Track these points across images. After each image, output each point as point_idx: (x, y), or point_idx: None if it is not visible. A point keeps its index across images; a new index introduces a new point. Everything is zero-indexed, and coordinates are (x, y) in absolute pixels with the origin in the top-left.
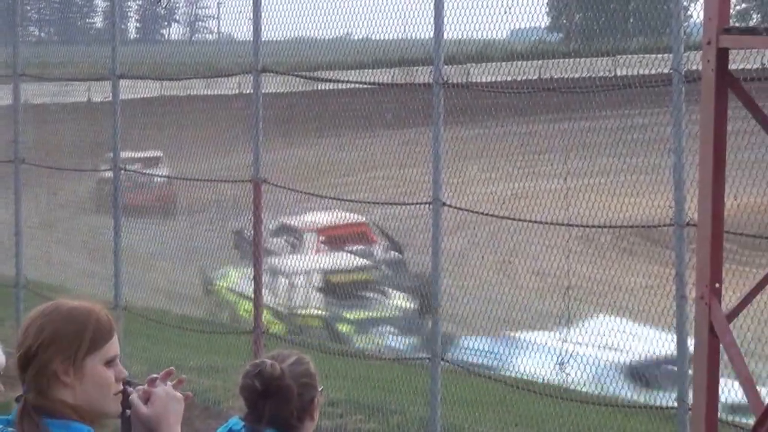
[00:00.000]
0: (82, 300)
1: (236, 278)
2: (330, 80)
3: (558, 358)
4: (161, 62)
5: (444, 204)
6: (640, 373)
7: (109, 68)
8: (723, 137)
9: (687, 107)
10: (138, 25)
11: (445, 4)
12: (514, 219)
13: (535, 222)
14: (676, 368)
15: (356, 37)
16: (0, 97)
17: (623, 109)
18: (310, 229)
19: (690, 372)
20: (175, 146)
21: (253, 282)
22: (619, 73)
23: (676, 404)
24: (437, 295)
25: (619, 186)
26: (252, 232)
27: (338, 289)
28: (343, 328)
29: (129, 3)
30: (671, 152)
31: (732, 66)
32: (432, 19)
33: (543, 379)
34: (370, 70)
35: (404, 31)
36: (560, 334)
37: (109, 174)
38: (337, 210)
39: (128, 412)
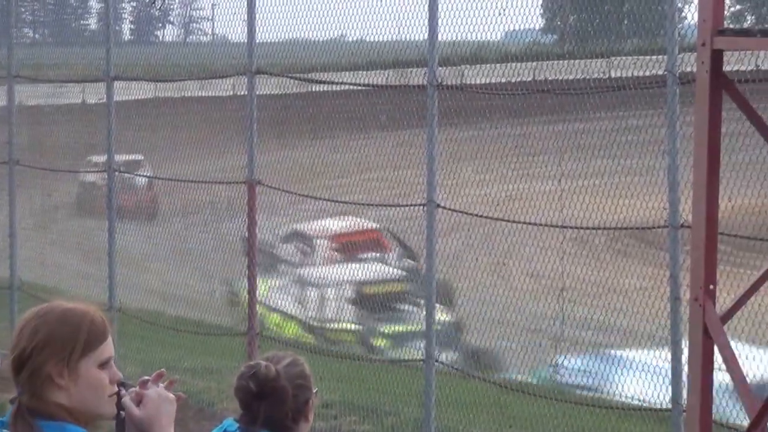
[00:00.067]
0: (76, 302)
1: (264, 290)
2: (324, 82)
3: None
4: (155, 64)
5: (438, 206)
6: None
7: (104, 70)
8: (717, 139)
9: (681, 109)
10: (132, 26)
11: (440, 6)
12: (508, 221)
13: (530, 224)
14: None
15: (350, 39)
16: None
17: (617, 111)
18: (322, 236)
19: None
20: (170, 148)
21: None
22: (613, 75)
23: (670, 406)
24: (431, 296)
25: (613, 188)
26: (261, 237)
27: (371, 302)
28: (379, 342)
29: (123, 5)
30: (666, 154)
31: (726, 67)
32: (426, 21)
33: (651, 403)
34: (365, 72)
35: (398, 32)
36: (665, 352)
37: (91, 177)
38: (349, 216)
39: (122, 413)
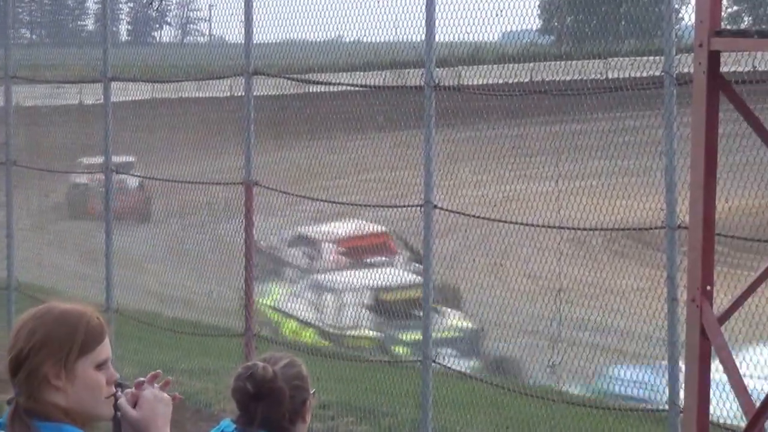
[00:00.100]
0: (73, 303)
1: (279, 296)
2: (321, 83)
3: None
4: (152, 65)
5: (435, 206)
6: None
7: (101, 71)
8: (714, 140)
9: (678, 110)
10: (129, 27)
11: (437, 7)
12: (505, 221)
13: (527, 224)
14: None
15: (348, 40)
16: None
17: (615, 112)
18: (329, 240)
19: (681, 374)
20: (167, 149)
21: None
22: (610, 76)
23: (667, 407)
24: (428, 298)
25: (610, 188)
26: (266, 241)
27: (390, 308)
28: (399, 350)
29: (120, 5)
30: (663, 155)
31: (723, 68)
32: (423, 22)
33: (718, 420)
34: (362, 73)
35: (396, 33)
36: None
37: (82, 179)
38: (356, 219)
39: (119, 414)
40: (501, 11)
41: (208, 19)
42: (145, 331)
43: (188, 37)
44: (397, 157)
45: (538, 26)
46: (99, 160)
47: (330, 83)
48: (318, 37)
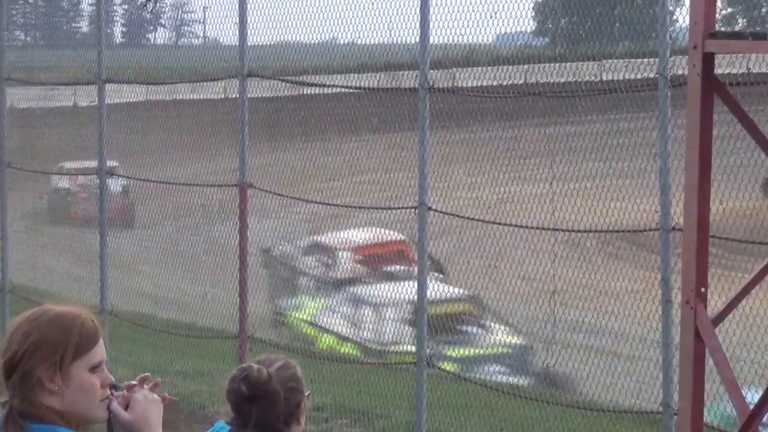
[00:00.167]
0: (68, 305)
1: (314, 310)
2: (316, 85)
3: None
4: (147, 67)
5: (430, 208)
6: None
7: (95, 72)
8: (708, 142)
9: (673, 112)
10: (124, 29)
11: (431, 9)
12: (499, 223)
13: (521, 226)
14: None
15: (342, 42)
16: None
17: (609, 114)
18: (345, 248)
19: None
20: (161, 151)
21: (248, 288)
22: (604, 78)
23: (661, 409)
24: (423, 299)
25: (604, 190)
26: (280, 249)
27: (433, 322)
28: (447, 366)
29: (115, 7)
30: (657, 157)
31: (718, 70)
32: (418, 24)
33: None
34: (356, 75)
35: (390, 35)
36: None
37: (64, 184)
38: (373, 227)
39: (112, 416)
40: (495, 13)
41: (202, 21)
42: (139, 332)
43: (182, 39)
44: (391, 159)
45: (533, 28)
46: (82, 164)
47: (324, 85)
48: (312, 39)
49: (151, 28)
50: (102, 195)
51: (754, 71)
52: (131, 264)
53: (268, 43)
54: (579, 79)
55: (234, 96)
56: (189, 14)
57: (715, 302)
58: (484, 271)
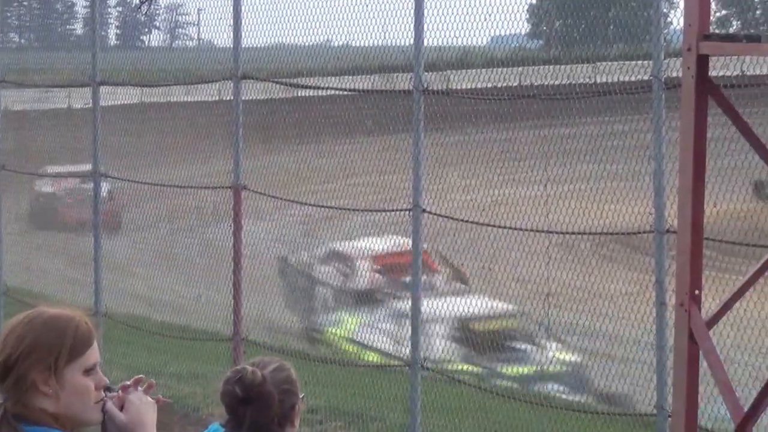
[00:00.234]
0: (62, 307)
1: (354, 326)
2: (310, 87)
3: None
4: (141, 69)
5: (424, 211)
6: None
7: (89, 75)
8: (703, 144)
9: (667, 114)
10: (118, 31)
11: (425, 11)
12: (494, 226)
13: (515, 229)
14: None
15: (336, 44)
16: None
17: (603, 116)
18: (364, 257)
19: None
20: (156, 153)
21: (242, 291)
22: (599, 80)
23: (655, 411)
24: (417, 301)
25: (599, 193)
26: (297, 258)
27: (481, 339)
28: (502, 384)
29: (109, 9)
30: (651, 159)
31: (712, 73)
32: (412, 26)
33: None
34: (350, 77)
35: (384, 37)
36: None
37: (48, 188)
38: (393, 235)
39: (107, 418)
40: (490, 15)
41: (196, 23)
42: (133, 335)
43: (177, 41)
44: (385, 161)
45: (527, 30)
46: (65, 168)
47: (319, 87)
48: (307, 41)
49: (146, 30)
50: (96, 197)
51: (748, 73)
52: (125, 266)
53: (263, 45)
54: (573, 82)
55: (228, 98)
56: (183, 16)
57: (709, 304)
58: (479, 273)
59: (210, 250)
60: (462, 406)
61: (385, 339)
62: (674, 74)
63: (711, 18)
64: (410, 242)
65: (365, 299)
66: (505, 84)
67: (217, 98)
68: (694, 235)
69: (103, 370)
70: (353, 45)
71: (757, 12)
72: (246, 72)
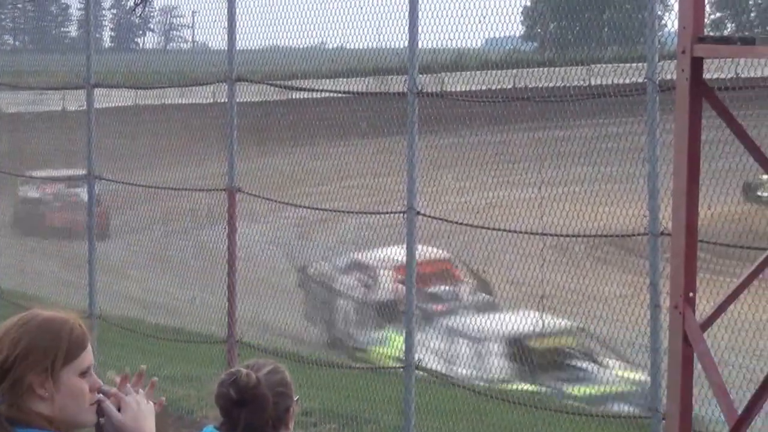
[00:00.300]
0: (56, 309)
1: (401, 344)
2: (304, 89)
3: None
4: (136, 71)
5: (418, 213)
6: None
7: (84, 77)
8: (697, 146)
9: (661, 116)
10: (113, 34)
11: (420, 13)
12: (488, 228)
13: (510, 231)
14: None
15: (331, 46)
16: None
17: (598, 118)
18: (386, 267)
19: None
20: (150, 155)
21: (226, 294)
22: (593, 83)
23: (649, 414)
24: (411, 304)
25: (593, 195)
26: (317, 268)
27: (539, 358)
28: (572, 405)
29: (103, 12)
30: (645, 161)
31: (706, 75)
32: (407, 28)
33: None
34: (345, 79)
35: (379, 40)
36: None
37: (31, 194)
38: (416, 244)
39: (101, 420)
40: (484, 18)
41: (191, 25)
42: (127, 337)
43: (171, 44)
44: (380, 164)
45: (521, 33)
46: (49, 173)
47: (313, 89)
48: (301, 43)
49: (140, 32)
50: (91, 199)
51: (742, 76)
52: (120, 269)
53: (257, 47)
54: (568, 84)
55: (223, 100)
56: (178, 19)
57: (704, 307)
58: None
59: (204, 253)
60: (456, 408)
61: (433, 357)
62: (668, 77)
63: (705, 20)
64: (434, 251)
65: (394, 312)
66: (499, 86)
67: (211, 100)
68: (689, 238)
69: (98, 372)
70: (348, 47)
71: (752, 14)
72: (240, 74)
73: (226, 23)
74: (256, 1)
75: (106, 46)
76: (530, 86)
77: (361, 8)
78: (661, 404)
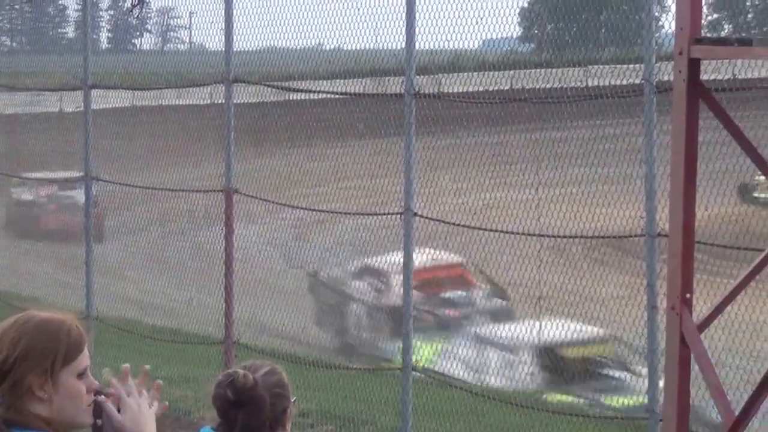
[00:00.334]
0: (53, 310)
1: (431, 355)
2: (302, 90)
3: None
4: (133, 72)
5: (415, 214)
6: None
7: (81, 78)
8: (694, 147)
9: (658, 118)
10: (110, 35)
11: (417, 15)
12: (485, 229)
13: (507, 232)
14: None
15: (328, 47)
16: None
17: (595, 120)
18: (399, 272)
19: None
20: (147, 156)
21: (234, 295)
22: (590, 84)
23: (646, 415)
24: (408, 305)
25: (590, 196)
26: (329, 272)
27: (574, 367)
28: (611, 412)
29: (101, 13)
30: (642, 162)
31: (703, 76)
32: (404, 29)
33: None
34: (342, 80)
35: (376, 41)
36: None
37: (25, 196)
38: (429, 249)
39: (99, 422)
40: (481, 19)
41: (188, 26)
42: (124, 338)
43: (168, 45)
44: (377, 165)
45: (519, 34)
46: (45, 174)
47: (310, 91)
48: (298, 44)
49: (137, 33)
50: (88, 200)
51: (739, 77)
52: (117, 270)
53: (254, 48)
54: (565, 85)
55: (220, 101)
56: (175, 20)
57: (701, 308)
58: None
59: (201, 254)
60: (453, 409)
61: (463, 368)
62: (665, 78)
63: (702, 22)
64: (448, 256)
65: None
66: (496, 87)
67: (208, 101)
68: (686, 239)
69: (95, 373)
70: (345, 48)
71: (749, 15)
72: (237, 75)
73: (223, 24)
74: (253, 2)
75: (103, 47)
76: (527, 87)
77: (358, 9)
78: (658, 405)
